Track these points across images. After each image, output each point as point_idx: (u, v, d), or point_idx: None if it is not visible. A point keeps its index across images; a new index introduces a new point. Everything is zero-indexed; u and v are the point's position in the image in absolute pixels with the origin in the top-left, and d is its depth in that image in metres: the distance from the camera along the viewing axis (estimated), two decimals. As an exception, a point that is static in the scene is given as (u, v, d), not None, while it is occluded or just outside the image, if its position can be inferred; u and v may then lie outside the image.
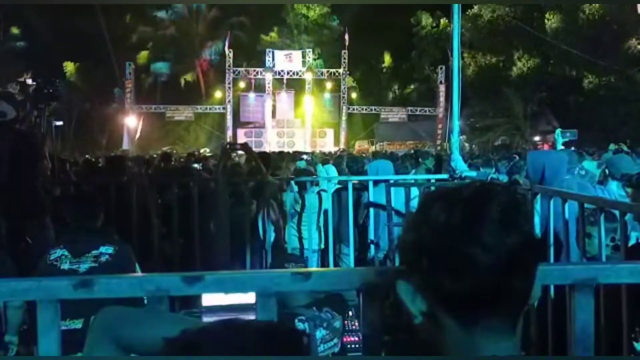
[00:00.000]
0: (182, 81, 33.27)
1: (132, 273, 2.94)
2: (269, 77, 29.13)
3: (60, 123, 5.83)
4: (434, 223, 0.80)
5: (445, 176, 5.08)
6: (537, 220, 3.23)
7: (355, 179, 5.38)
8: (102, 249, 3.03)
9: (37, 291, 1.14)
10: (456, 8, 4.89)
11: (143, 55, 32.26)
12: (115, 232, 3.71)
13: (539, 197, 3.32)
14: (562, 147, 9.27)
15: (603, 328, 1.84)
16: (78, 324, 2.81)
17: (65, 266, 2.96)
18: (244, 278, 1.21)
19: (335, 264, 5.08)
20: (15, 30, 25.43)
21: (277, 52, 30.09)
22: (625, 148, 8.74)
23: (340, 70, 29.72)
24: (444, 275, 0.78)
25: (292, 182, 5.45)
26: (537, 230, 3.23)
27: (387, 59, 33.30)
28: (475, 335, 0.80)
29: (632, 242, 2.94)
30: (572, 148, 9.50)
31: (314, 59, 30.31)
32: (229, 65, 29.34)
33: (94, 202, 3.35)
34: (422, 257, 0.80)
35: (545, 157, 3.78)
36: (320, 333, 2.40)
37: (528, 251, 0.79)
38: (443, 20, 26.08)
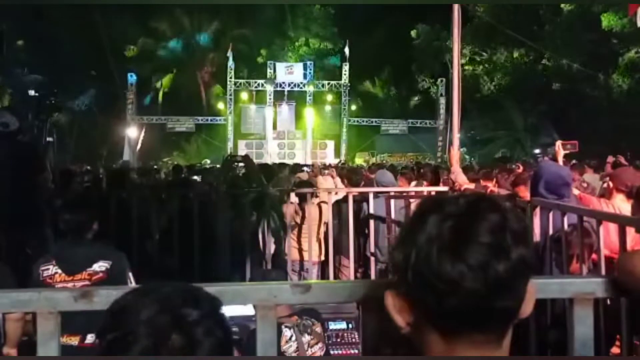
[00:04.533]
0: (184, 92, 33.36)
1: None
2: (270, 89, 29.26)
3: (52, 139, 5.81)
4: (420, 240, 0.78)
5: (445, 189, 5.08)
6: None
7: (356, 190, 5.37)
8: (96, 266, 2.92)
9: (37, 302, 1.14)
10: (455, 17, 4.91)
11: (144, 66, 32.35)
12: (112, 243, 3.65)
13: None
14: (564, 160, 9.17)
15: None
16: (74, 341, 2.80)
17: (59, 285, 2.88)
18: (244, 290, 1.21)
19: (335, 276, 5.07)
20: (18, 42, 25.61)
21: (278, 64, 30.27)
22: (622, 161, 8.67)
23: (341, 83, 29.88)
24: (428, 292, 0.77)
25: (293, 194, 5.45)
26: (538, 241, 3.24)
27: (388, 71, 33.42)
28: (458, 349, 0.80)
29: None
30: (574, 161, 9.44)
31: (315, 72, 30.45)
32: (230, 77, 29.49)
33: (84, 212, 3.15)
34: (408, 272, 0.79)
35: (563, 170, 3.87)
36: (305, 338, 2.53)
37: (516, 274, 0.77)
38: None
